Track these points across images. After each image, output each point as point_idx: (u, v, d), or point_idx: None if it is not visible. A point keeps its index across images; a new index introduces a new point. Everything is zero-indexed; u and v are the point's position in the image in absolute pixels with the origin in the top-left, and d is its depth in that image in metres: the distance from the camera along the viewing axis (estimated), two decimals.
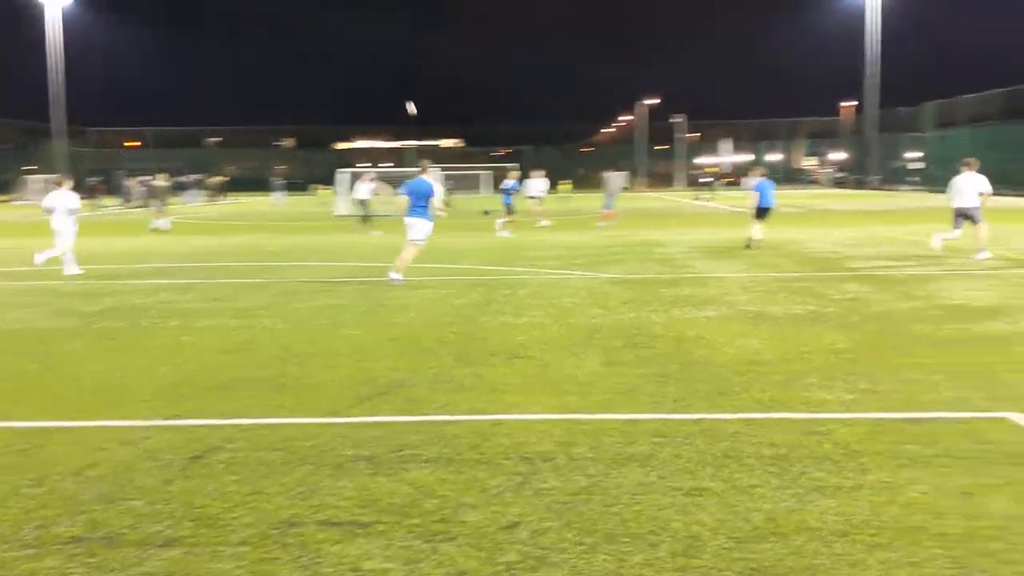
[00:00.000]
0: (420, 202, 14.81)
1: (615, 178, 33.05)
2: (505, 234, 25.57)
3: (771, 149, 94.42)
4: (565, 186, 57.81)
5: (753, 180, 21.86)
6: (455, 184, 58.16)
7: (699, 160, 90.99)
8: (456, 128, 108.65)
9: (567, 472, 5.46)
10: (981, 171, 18.51)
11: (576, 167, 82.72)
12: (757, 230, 20.72)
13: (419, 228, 14.88)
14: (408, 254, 14.98)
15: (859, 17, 73.99)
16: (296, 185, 69.05)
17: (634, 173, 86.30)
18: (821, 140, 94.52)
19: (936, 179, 64.84)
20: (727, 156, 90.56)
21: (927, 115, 72.05)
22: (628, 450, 5.86)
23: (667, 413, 6.73)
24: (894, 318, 10.80)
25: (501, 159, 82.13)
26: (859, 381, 7.61)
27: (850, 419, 6.50)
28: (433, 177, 15.25)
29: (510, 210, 27.08)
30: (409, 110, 33.61)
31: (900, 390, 7.30)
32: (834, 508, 4.82)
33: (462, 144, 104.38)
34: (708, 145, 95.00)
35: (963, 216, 18.22)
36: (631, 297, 12.96)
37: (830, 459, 5.61)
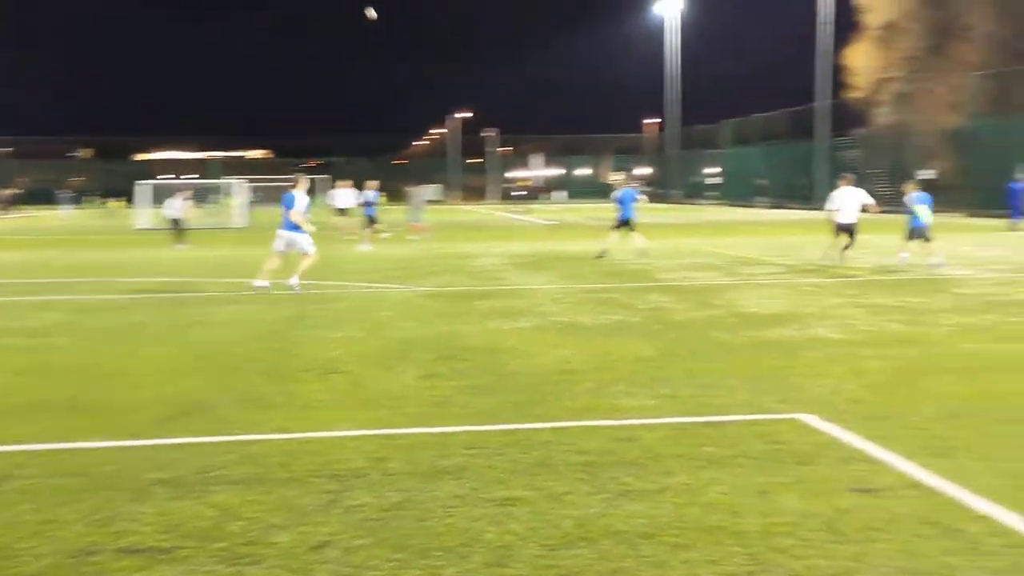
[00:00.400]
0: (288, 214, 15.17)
1: (419, 192, 33.12)
2: (367, 247, 24.96)
3: (581, 164, 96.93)
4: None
5: (618, 191, 22.30)
6: (263, 196, 56.89)
7: (511, 174, 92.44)
8: (264, 139, 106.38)
9: (380, 488, 5.41)
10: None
11: (389, 179, 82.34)
12: (614, 238, 21.48)
13: (287, 239, 15.22)
14: (304, 263, 15.27)
15: (661, 37, 77.06)
16: (90, 197, 65.87)
17: (447, 186, 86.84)
18: (627, 155, 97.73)
19: (733, 193, 68.26)
20: (539, 170, 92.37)
21: (724, 133, 75.75)
22: (442, 463, 5.86)
23: (481, 424, 6.77)
24: (694, 326, 11.27)
25: (312, 170, 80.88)
26: (662, 387, 7.88)
27: (655, 424, 6.72)
28: (301, 189, 15.42)
29: (372, 221, 26.52)
30: (369, 15, 32.05)
31: (700, 395, 7.61)
32: (640, 511, 4.96)
33: (270, 155, 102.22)
34: (520, 159, 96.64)
35: (845, 230, 18.81)
36: (445, 310, 13.01)
37: (637, 464, 5.78)
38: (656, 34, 78.31)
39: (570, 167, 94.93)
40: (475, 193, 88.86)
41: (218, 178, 58.01)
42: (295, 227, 15.17)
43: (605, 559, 4.37)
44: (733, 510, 4.96)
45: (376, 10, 27.54)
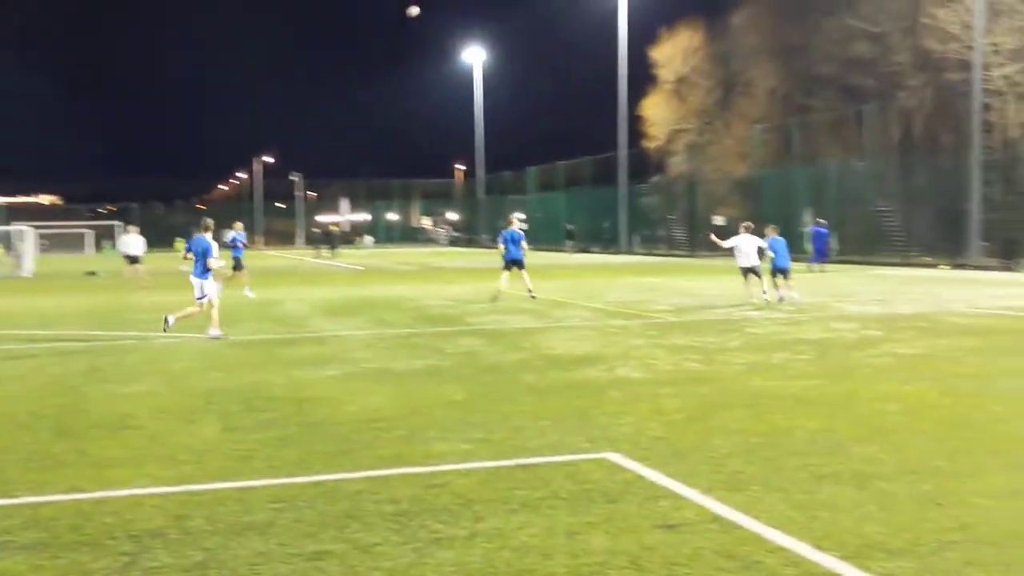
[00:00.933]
0: (201, 260, 14.91)
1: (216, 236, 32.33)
2: (249, 294, 23.86)
3: (388, 208, 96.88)
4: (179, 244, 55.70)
5: (505, 232, 22.50)
6: (51, 244, 53.94)
7: (319, 218, 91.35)
8: (55, 184, 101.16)
9: (180, 547, 5.16)
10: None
11: (190, 223, 79.79)
12: (504, 280, 21.66)
13: (200, 287, 14.90)
14: (212, 313, 14.90)
15: (470, 85, 78.38)
16: None
17: (251, 230, 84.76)
18: (436, 200, 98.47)
19: (539, 237, 69.79)
20: (346, 214, 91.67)
21: (530, 179, 77.50)
22: (246, 519, 5.65)
23: (287, 477, 6.59)
24: (505, 369, 11.39)
25: (107, 216, 77.51)
26: (475, 431, 7.91)
27: (467, 469, 6.72)
28: (209, 234, 15.23)
29: (239, 265, 25.21)
30: (411, 12, 30.18)
31: (512, 437, 7.68)
32: (451, 559, 4.94)
33: (60, 201, 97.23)
34: (327, 203, 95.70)
35: (750, 272, 20.15)
36: (250, 359, 12.64)
37: (448, 510, 5.76)
38: (465, 81, 79.60)
39: (377, 212, 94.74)
40: (281, 238, 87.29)
41: (5, 224, 54.60)
42: (206, 273, 14.96)
43: None
44: (543, 552, 5.00)
45: (416, 8, 26.60)
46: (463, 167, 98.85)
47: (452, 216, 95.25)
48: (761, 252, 20.35)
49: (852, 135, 47.17)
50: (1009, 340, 13.48)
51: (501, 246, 22.41)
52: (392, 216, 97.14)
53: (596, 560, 4.88)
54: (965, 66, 37.13)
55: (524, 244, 22.36)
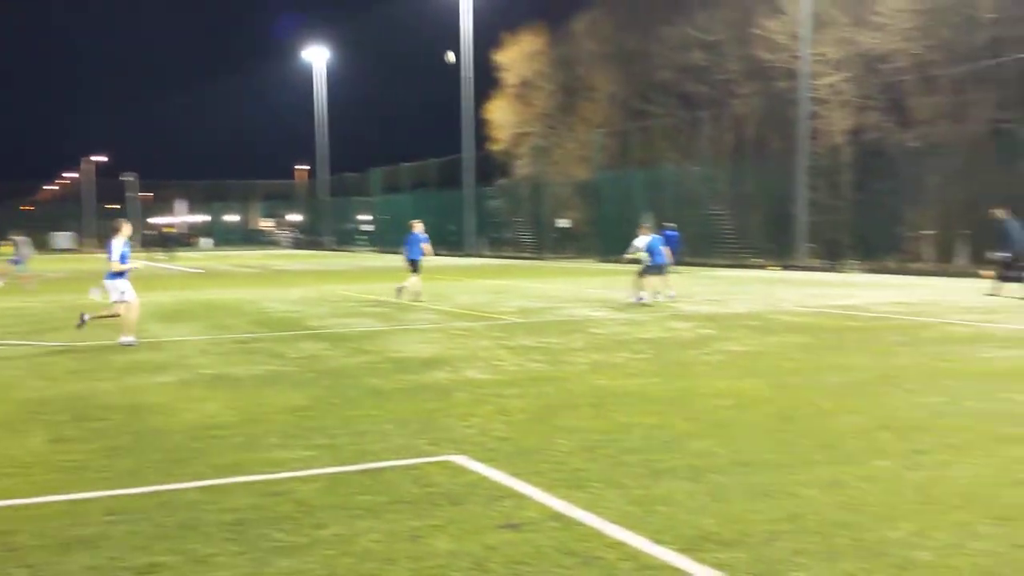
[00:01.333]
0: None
1: (24, 242, 31.37)
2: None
3: (227, 210, 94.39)
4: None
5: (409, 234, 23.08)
6: None
7: (154, 220, 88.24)
8: None
9: (2, 565, 4.88)
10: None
11: (12, 227, 75.84)
12: (414, 281, 21.95)
13: (113, 288, 14.32)
14: (126, 317, 14.29)
15: (311, 85, 77.16)
16: None
17: (82, 233, 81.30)
18: (278, 202, 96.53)
19: (385, 240, 69.37)
20: (183, 216, 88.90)
21: (374, 180, 76.97)
22: (76, 532, 5.40)
23: (120, 488, 6.32)
24: (348, 373, 11.26)
25: None
26: (317, 437, 7.79)
27: (309, 476, 6.61)
28: (123, 236, 14.59)
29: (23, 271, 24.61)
30: (448, 59, 28.63)
31: (355, 442, 7.59)
32: (291, 567, 4.84)
33: None
34: (163, 205, 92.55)
35: (659, 270, 21.24)
36: (79, 366, 12.09)
37: (289, 518, 5.65)
38: (309, 81, 78.31)
39: (216, 213, 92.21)
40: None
41: None
42: (116, 275, 14.34)
43: None
44: (386, 557, 4.97)
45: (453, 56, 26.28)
46: (306, 168, 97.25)
47: (294, 218, 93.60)
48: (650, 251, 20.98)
49: (688, 140, 48.77)
50: (834, 337, 14.19)
51: (407, 248, 22.91)
52: (232, 218, 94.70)
53: (439, 563, 4.88)
54: (793, 75, 38.90)
55: (426, 247, 22.98)
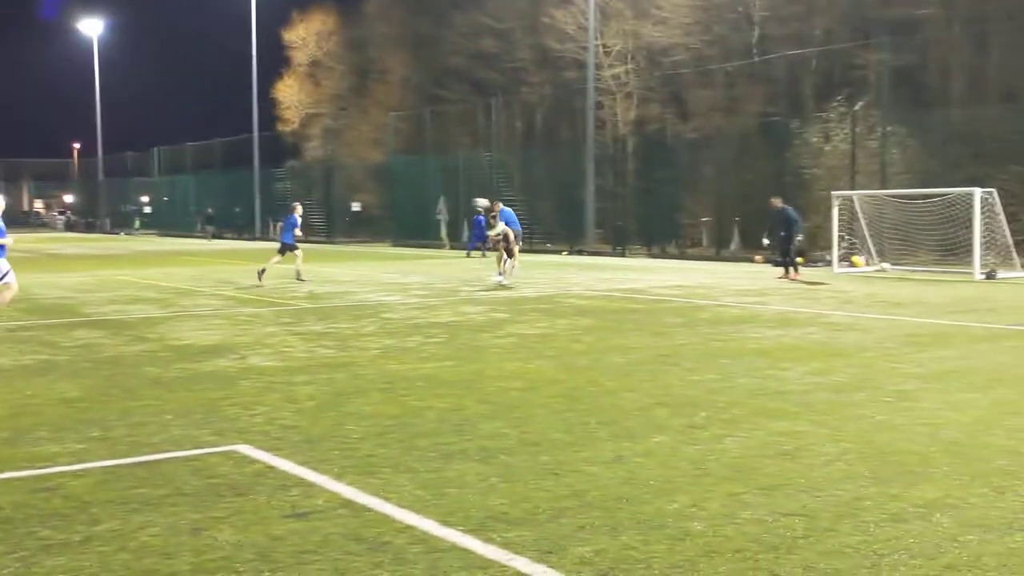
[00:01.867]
0: None
1: None
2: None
3: None
4: None
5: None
6: None
7: None
8: None
9: None
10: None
11: None
12: (275, 261, 22.40)
13: None
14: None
15: (90, 61, 72.94)
16: None
17: None
18: (51, 182, 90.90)
19: (166, 222, 66.61)
20: None
21: (155, 160, 73.70)
22: None
23: None
24: (125, 362, 10.74)
25: None
26: (91, 429, 7.39)
27: (81, 470, 6.26)
28: None
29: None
30: (480, 204, 25.24)
31: (132, 434, 7.25)
32: (62, 565, 4.57)
33: None
34: None
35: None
36: None
37: (59, 514, 5.33)
38: (85, 54, 73.92)
39: None
40: None
41: None
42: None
43: None
44: (165, 551, 4.77)
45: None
46: (79, 146, 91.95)
47: (68, 199, 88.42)
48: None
49: (481, 127, 49.28)
50: (618, 319, 14.71)
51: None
52: None
53: (222, 555, 4.73)
54: (580, 65, 39.97)
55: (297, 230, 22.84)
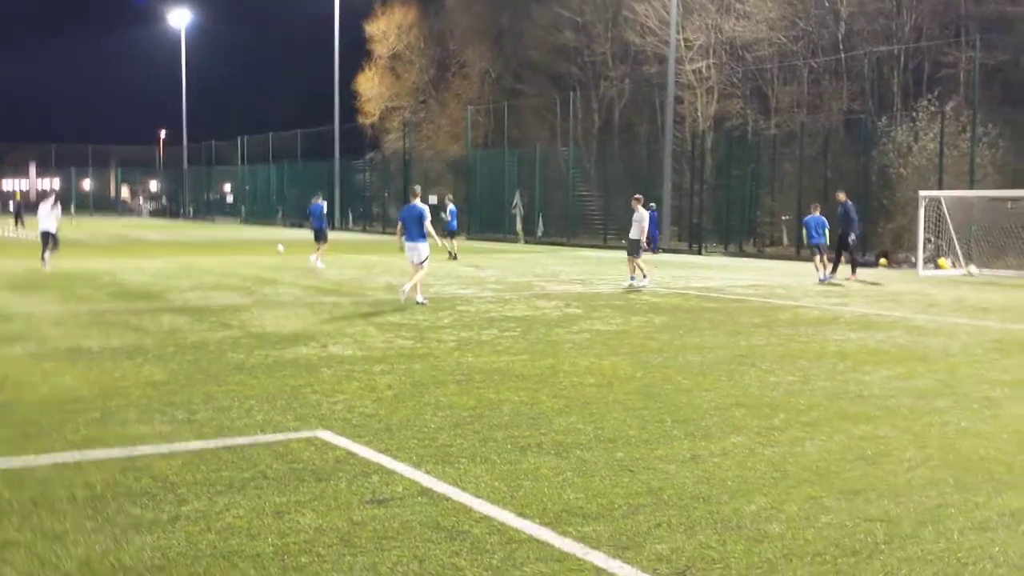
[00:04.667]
0: None
1: None
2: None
3: (83, 175, 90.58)
4: None
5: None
6: None
7: (6, 184, 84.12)
8: None
9: None
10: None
11: None
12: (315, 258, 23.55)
13: None
14: None
15: (177, 51, 74.64)
16: None
17: None
18: (137, 168, 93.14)
19: (250, 211, 67.80)
20: (33, 180, 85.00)
21: (239, 150, 75.04)
22: None
23: None
24: (209, 347, 11.00)
25: None
26: (177, 412, 7.60)
27: (169, 452, 6.44)
28: None
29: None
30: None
31: (217, 418, 7.44)
32: (151, 543, 4.72)
33: None
34: (12, 168, 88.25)
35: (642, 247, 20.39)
36: None
37: (147, 494, 5.50)
38: (174, 45, 75.65)
39: (71, 180, 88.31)
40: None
41: None
42: None
43: None
44: (250, 533, 4.89)
45: None
46: (165, 134, 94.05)
47: (155, 186, 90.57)
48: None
49: (558, 121, 49.23)
50: (693, 318, 14.61)
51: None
52: (88, 184, 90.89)
53: (305, 538, 4.84)
54: (661, 59, 39.68)
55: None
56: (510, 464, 6.24)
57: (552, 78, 50.99)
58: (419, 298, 15.61)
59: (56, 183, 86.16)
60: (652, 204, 33.81)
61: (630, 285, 19.62)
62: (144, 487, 5.64)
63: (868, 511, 5.38)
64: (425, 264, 16.04)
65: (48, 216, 22.97)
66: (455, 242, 27.10)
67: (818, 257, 21.93)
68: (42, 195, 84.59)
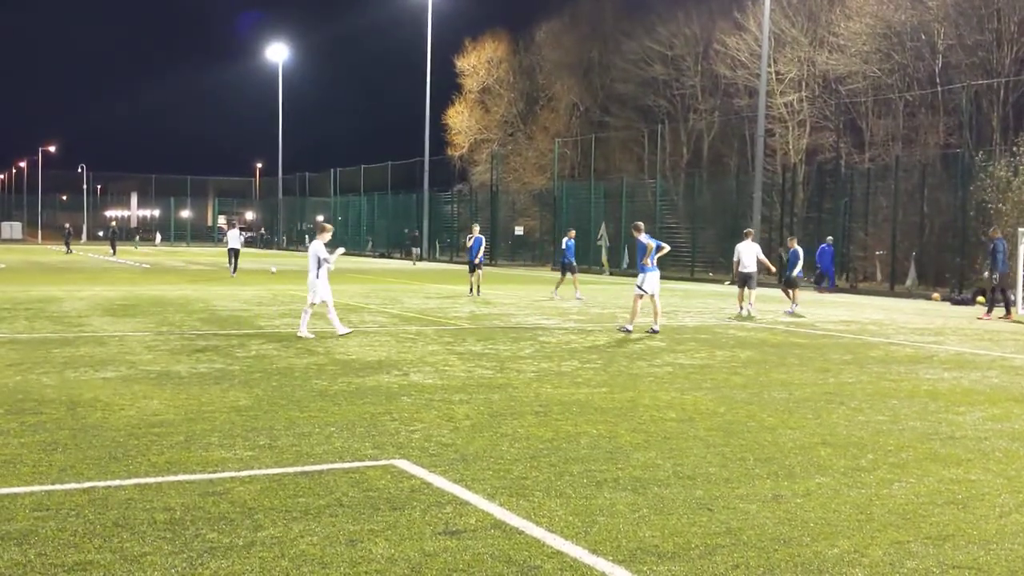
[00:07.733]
0: None
1: None
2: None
3: (182, 205, 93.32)
4: None
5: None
6: None
7: (109, 212, 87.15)
8: None
9: None
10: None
11: None
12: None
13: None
14: None
15: (273, 86, 76.69)
16: None
17: (28, 223, 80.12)
18: (233, 199, 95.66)
19: (345, 240, 68.95)
20: (135, 209, 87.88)
21: (333, 181, 76.55)
22: (4, 528, 5.28)
23: (52, 484, 6.19)
24: (294, 374, 11.14)
25: None
26: (259, 437, 7.70)
27: (248, 476, 6.52)
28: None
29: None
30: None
31: (297, 444, 7.51)
32: (226, 568, 4.76)
33: None
34: (116, 198, 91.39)
35: (749, 279, 20.91)
36: (18, 359, 11.85)
37: (225, 518, 5.56)
38: (271, 80, 77.76)
39: (169, 209, 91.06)
40: (64, 232, 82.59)
41: None
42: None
43: None
44: (322, 561, 4.91)
45: None
46: (261, 165, 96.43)
47: (249, 216, 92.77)
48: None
49: (646, 153, 49.06)
50: (780, 353, 14.32)
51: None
52: (185, 213, 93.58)
53: (376, 568, 4.83)
54: (751, 92, 39.32)
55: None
56: (585, 499, 6.16)
57: (640, 111, 50.92)
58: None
59: (156, 212, 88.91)
60: (829, 238, 33.14)
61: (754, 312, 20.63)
62: (222, 512, 5.70)
63: (957, 558, 5.16)
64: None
65: (236, 239, 33.97)
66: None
67: (791, 290, 22.58)
68: (143, 222, 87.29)
